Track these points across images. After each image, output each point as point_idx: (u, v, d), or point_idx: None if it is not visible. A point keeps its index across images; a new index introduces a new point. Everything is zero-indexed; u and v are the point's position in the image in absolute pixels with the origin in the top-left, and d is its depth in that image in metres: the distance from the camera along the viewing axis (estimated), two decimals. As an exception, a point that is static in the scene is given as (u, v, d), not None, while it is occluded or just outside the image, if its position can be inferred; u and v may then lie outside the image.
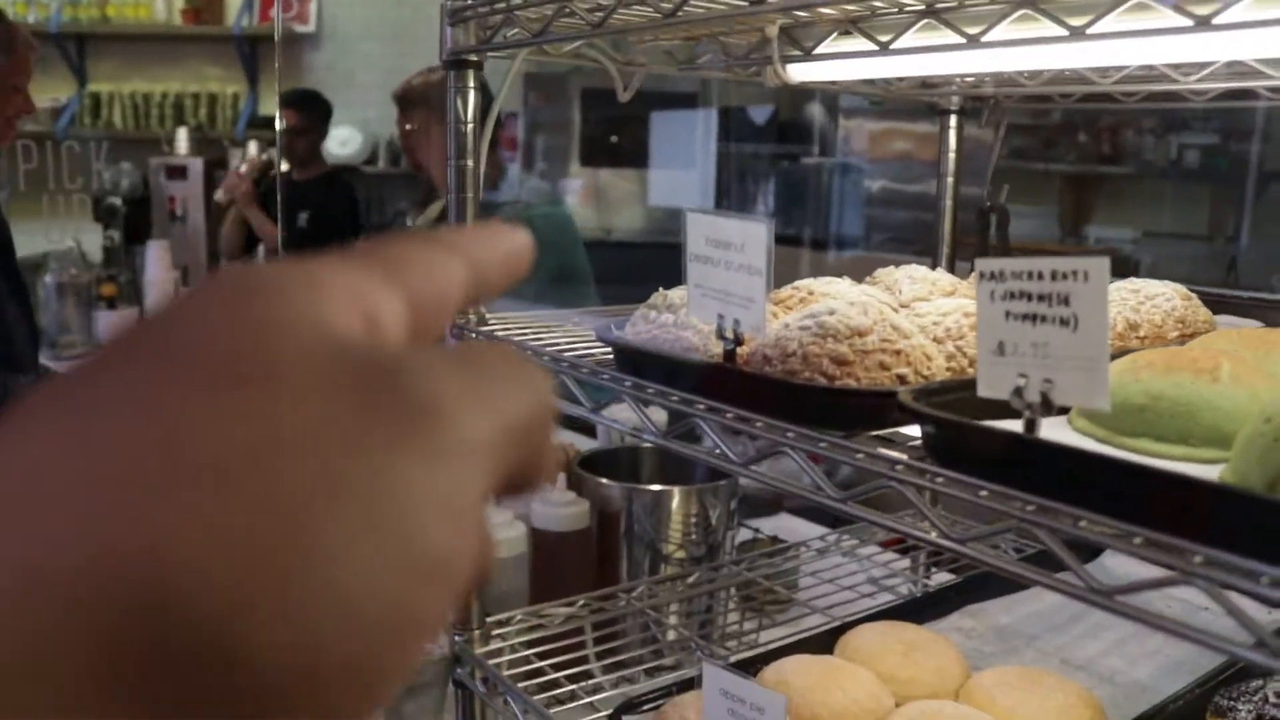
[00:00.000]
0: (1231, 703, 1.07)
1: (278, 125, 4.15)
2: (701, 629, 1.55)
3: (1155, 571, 0.55)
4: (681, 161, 6.06)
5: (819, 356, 0.76)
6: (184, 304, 0.24)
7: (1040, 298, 0.63)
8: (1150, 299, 1.06)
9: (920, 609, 1.38)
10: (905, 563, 1.69)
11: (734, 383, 0.81)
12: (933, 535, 0.65)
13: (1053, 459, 0.61)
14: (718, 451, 0.81)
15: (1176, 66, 1.14)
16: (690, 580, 1.51)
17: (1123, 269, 5.30)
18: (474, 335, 1.20)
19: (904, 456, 0.68)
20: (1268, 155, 6.26)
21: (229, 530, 0.20)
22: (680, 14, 0.85)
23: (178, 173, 4.99)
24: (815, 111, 5.38)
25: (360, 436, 0.22)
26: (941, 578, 1.65)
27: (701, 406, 0.83)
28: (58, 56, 6.14)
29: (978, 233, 1.60)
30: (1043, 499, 0.60)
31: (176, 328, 0.23)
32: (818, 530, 1.85)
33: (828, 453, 0.72)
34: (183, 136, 5.69)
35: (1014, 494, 0.61)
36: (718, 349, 0.87)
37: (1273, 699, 1.05)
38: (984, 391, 0.67)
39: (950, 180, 1.63)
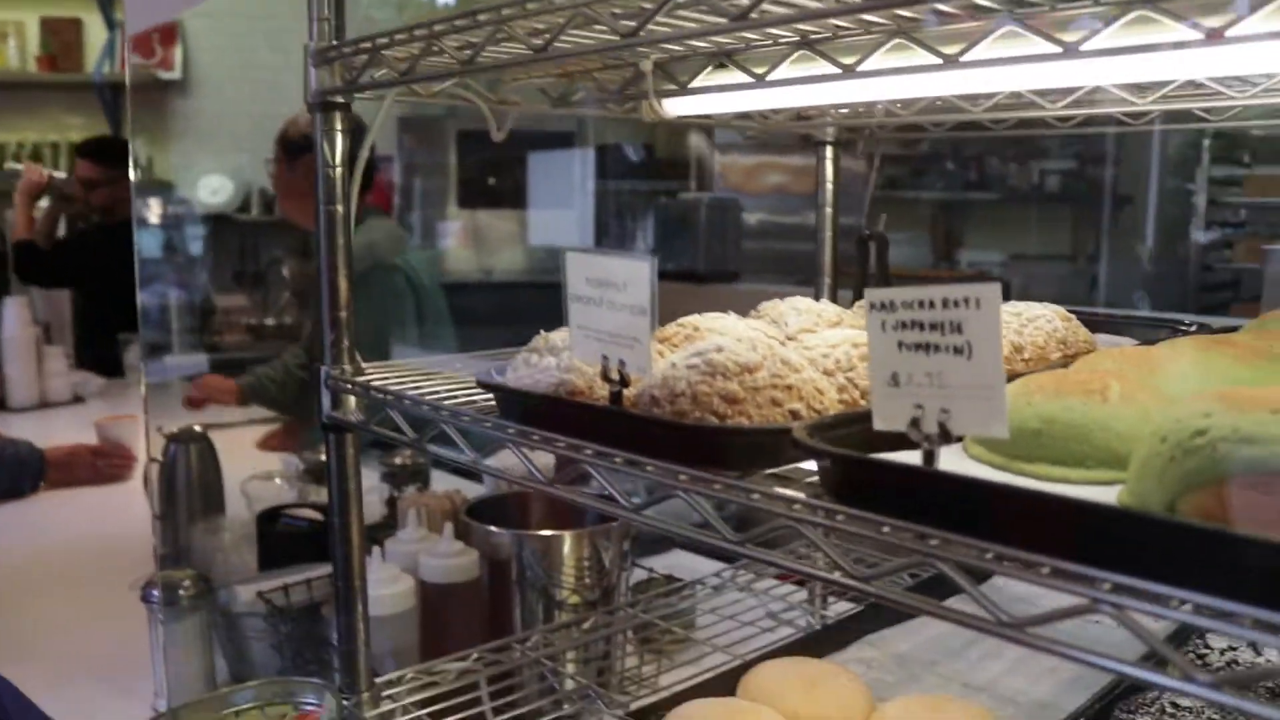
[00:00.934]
0: (1130, 715, 1.08)
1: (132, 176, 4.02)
2: (600, 676, 1.51)
3: (1056, 596, 0.53)
4: (559, 201, 6.05)
5: (709, 395, 0.74)
6: None
7: (932, 326, 0.62)
8: (1032, 321, 1.06)
9: (820, 642, 1.37)
10: (802, 594, 1.68)
11: (622, 426, 0.78)
12: (836, 575, 0.63)
13: (953, 490, 0.60)
14: (608, 498, 0.78)
15: (1043, 94, 1.16)
16: (586, 626, 1.48)
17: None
18: (349, 386, 1.15)
19: (801, 495, 0.66)
20: (1121, 179, 6.55)
21: None
22: (550, 50, 0.83)
23: (39, 224, 4.77)
24: (691, 147, 5.43)
25: None
26: (840, 607, 1.64)
27: (590, 451, 0.80)
28: (-93, 106, 5.88)
29: (858, 261, 1.60)
30: (945, 532, 0.58)
31: None
32: (712, 566, 1.83)
33: (722, 494, 0.70)
34: (41, 187, 5.46)
35: (916, 529, 0.59)
36: (604, 391, 0.84)
37: (1169, 709, 1.06)
38: (880, 425, 0.65)
39: (829, 210, 1.63)
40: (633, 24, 0.76)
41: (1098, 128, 1.34)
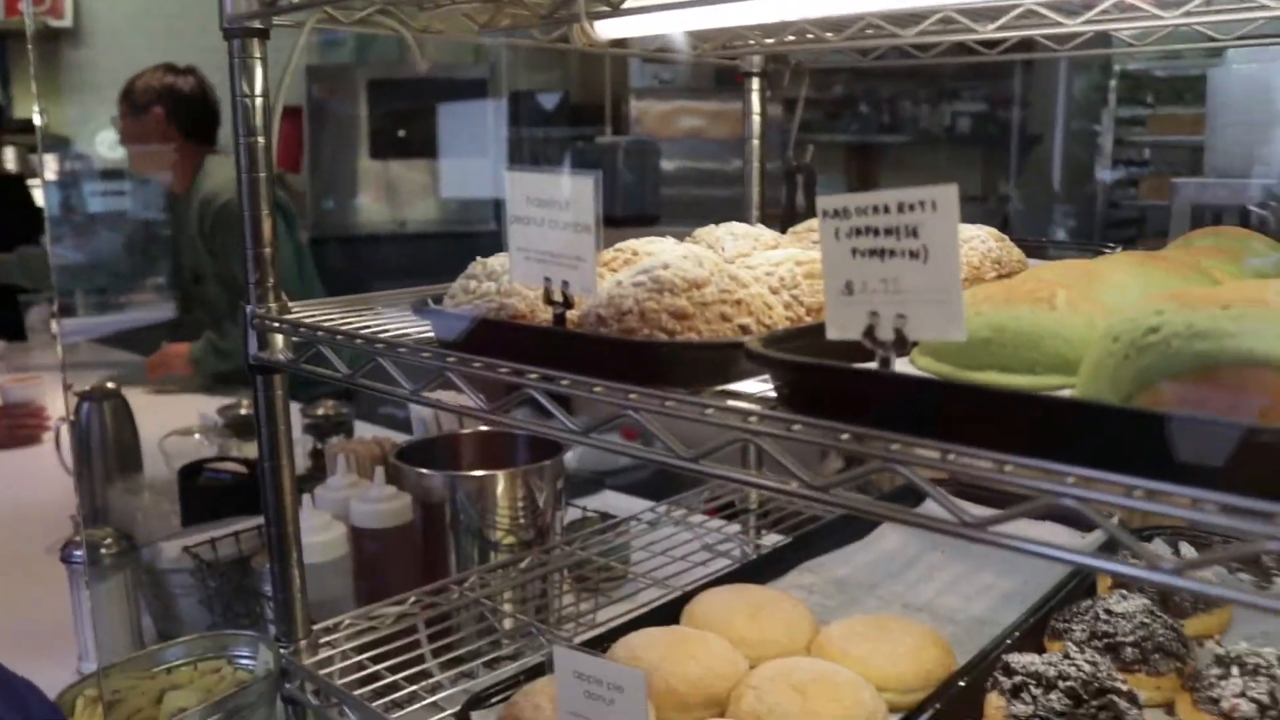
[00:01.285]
0: (1067, 624, 1.10)
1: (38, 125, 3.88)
2: (539, 614, 1.50)
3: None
4: (474, 150, 5.95)
5: (657, 312, 0.72)
6: None
7: (887, 232, 0.61)
8: (966, 242, 1.06)
9: (758, 571, 1.37)
10: (736, 527, 1.68)
11: (568, 347, 0.76)
12: (794, 486, 0.62)
13: (913, 393, 0.59)
14: (554, 425, 0.77)
15: (974, 17, 1.15)
16: (523, 565, 1.47)
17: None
18: (275, 324, 1.11)
19: (757, 407, 0.65)
20: (1030, 120, 6.66)
21: None
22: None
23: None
24: (607, 93, 5.37)
25: None
26: (773, 538, 1.65)
27: (533, 376, 0.78)
28: None
29: (786, 194, 1.60)
30: (906, 436, 0.58)
31: None
32: (644, 504, 1.82)
33: (675, 411, 0.69)
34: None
35: (878, 434, 0.58)
36: (547, 315, 0.82)
37: (1103, 615, 1.08)
38: (834, 334, 0.65)
39: (755, 143, 1.62)
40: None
41: (1027, 54, 1.35)
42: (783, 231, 1.45)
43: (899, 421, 0.59)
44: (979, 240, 1.07)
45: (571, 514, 1.69)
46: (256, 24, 1.08)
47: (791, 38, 1.36)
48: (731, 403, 0.66)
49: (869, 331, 0.63)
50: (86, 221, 4.79)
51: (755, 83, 1.61)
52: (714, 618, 1.13)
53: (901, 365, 0.75)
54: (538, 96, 5.88)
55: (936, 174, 6.47)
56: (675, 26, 1.17)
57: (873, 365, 0.63)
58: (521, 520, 1.50)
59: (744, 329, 0.74)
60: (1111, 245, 1.29)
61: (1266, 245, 1.11)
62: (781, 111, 1.93)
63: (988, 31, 1.20)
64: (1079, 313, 0.71)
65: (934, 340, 0.64)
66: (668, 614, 1.21)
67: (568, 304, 0.78)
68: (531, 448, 1.57)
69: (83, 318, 4.28)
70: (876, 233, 0.61)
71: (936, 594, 1.30)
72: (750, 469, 1.51)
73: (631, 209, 4.22)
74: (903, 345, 0.62)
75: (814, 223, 1.21)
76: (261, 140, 1.12)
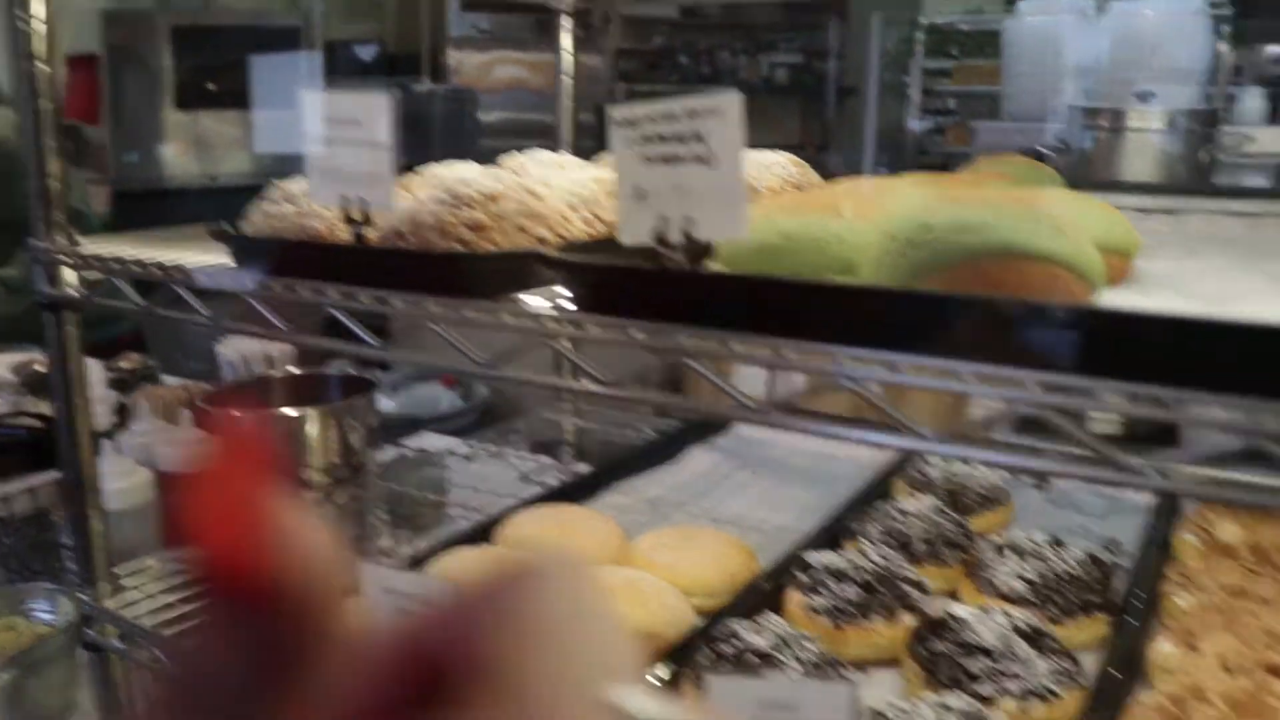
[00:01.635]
0: (861, 525, 1.16)
1: None
2: (354, 554, 1.49)
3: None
4: (287, 102, 5.76)
5: (454, 225, 0.73)
6: None
7: (677, 139, 0.63)
8: (768, 167, 1.09)
9: (570, 494, 1.39)
10: (551, 461, 1.70)
11: (367, 264, 0.76)
12: (585, 383, 0.63)
13: (698, 289, 0.61)
14: (356, 340, 0.76)
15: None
16: (337, 500, 1.45)
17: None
18: (65, 259, 1.07)
19: (549, 309, 0.66)
20: (845, 71, 6.83)
21: None
22: None
23: None
24: (424, 42, 5.27)
25: None
26: (587, 468, 1.67)
27: (333, 294, 0.77)
28: None
29: (598, 129, 1.61)
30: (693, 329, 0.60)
31: None
32: (462, 446, 1.82)
33: (473, 317, 0.69)
34: None
35: (666, 327, 0.60)
36: (346, 234, 0.81)
37: (895, 515, 1.14)
38: (626, 239, 0.66)
39: (567, 79, 1.63)
40: None
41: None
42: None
43: (689, 319, 0.61)
44: (779, 165, 1.10)
45: (389, 454, 1.67)
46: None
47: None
48: (527, 307, 0.67)
49: (660, 237, 0.64)
50: None
51: (565, 21, 1.61)
52: (526, 537, 1.15)
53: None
54: (353, 46, 5.72)
55: (756, 125, 6.56)
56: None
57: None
58: (335, 460, 1.48)
59: (541, 241, 0.74)
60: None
61: (1047, 176, 1.18)
62: (599, 62, 1.93)
63: None
64: (865, 220, 0.75)
65: (723, 244, 0.66)
66: (481, 538, 1.21)
67: (366, 220, 0.78)
68: (345, 389, 1.55)
69: None
70: (665, 139, 0.63)
71: (744, 508, 1.35)
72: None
73: (449, 159, 4.16)
74: (693, 251, 0.64)
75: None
76: (45, 67, 1.07)
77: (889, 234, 0.63)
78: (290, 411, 1.42)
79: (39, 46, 1.07)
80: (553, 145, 1.63)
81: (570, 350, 0.64)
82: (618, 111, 0.65)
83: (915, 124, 6.07)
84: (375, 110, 0.75)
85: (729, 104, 0.61)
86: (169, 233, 1.19)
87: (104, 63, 5.59)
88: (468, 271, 0.71)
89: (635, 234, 0.66)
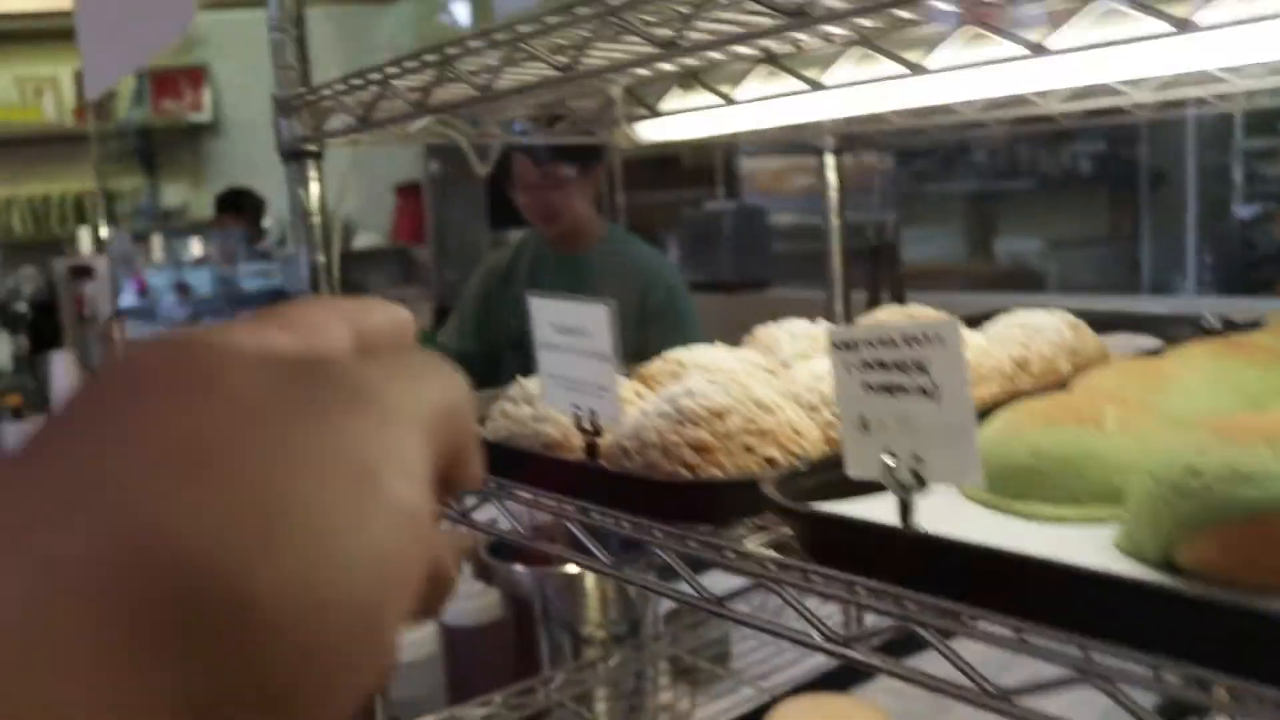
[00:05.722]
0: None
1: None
2: (631, 713, 1.47)
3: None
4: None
5: (678, 445, 0.70)
6: (143, 347, 0.27)
7: (897, 366, 0.57)
8: (1038, 332, 1.01)
9: (848, 672, 1.32)
10: (837, 613, 1.62)
11: (596, 480, 0.74)
12: (815, 637, 0.58)
13: (929, 550, 0.55)
14: (586, 551, 0.75)
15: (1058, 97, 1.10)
16: (613, 663, 1.44)
17: (1031, 281, 5.34)
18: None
19: (774, 554, 0.61)
20: (1155, 157, 6.42)
21: (220, 501, 0.23)
22: (493, 89, 0.79)
23: (83, 273, 4.85)
24: (713, 152, 5.36)
25: (306, 405, 0.26)
26: (872, 620, 1.59)
27: (570, 508, 0.76)
28: (-53, 166, 5.98)
29: (868, 274, 1.55)
30: (923, 594, 0.54)
31: (134, 364, 0.27)
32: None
33: (697, 552, 0.66)
34: (85, 236, 5.54)
35: (893, 590, 0.55)
36: (579, 441, 0.80)
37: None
38: (853, 472, 0.61)
39: (835, 221, 1.58)
40: (565, 59, 0.73)
41: (1108, 119, 1.29)
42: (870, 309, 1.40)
43: (917, 573, 0.55)
44: (1052, 330, 1.01)
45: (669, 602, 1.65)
46: (310, 147, 1.09)
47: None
48: (750, 548, 0.63)
49: (888, 471, 0.59)
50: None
51: (829, 159, 1.57)
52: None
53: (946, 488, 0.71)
54: (651, 159, 5.90)
55: (1060, 219, 6.27)
56: (713, 127, 1.14)
57: (893, 507, 0.59)
58: (613, 614, 1.47)
59: (770, 461, 0.70)
60: (1209, 320, 1.21)
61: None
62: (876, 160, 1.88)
63: (1143, 95, 1.12)
64: (1131, 432, 0.66)
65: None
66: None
67: (597, 432, 0.76)
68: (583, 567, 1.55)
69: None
70: (886, 367, 0.58)
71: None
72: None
73: (741, 274, 4.18)
74: (924, 484, 0.58)
75: (879, 313, 1.16)
76: (322, 258, 1.14)
77: (1152, 475, 0.55)
78: (570, 569, 1.42)
79: (317, 239, 1.13)
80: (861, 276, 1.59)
81: (796, 599, 0.59)
82: (835, 334, 0.61)
83: (1240, 211, 5.60)
84: (597, 320, 0.74)
85: (949, 331, 0.55)
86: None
87: (426, 190, 6.05)
88: (690, 499, 0.68)
89: (862, 468, 0.60)
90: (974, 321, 1.18)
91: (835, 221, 1.59)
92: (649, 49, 0.64)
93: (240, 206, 4.59)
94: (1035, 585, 0.49)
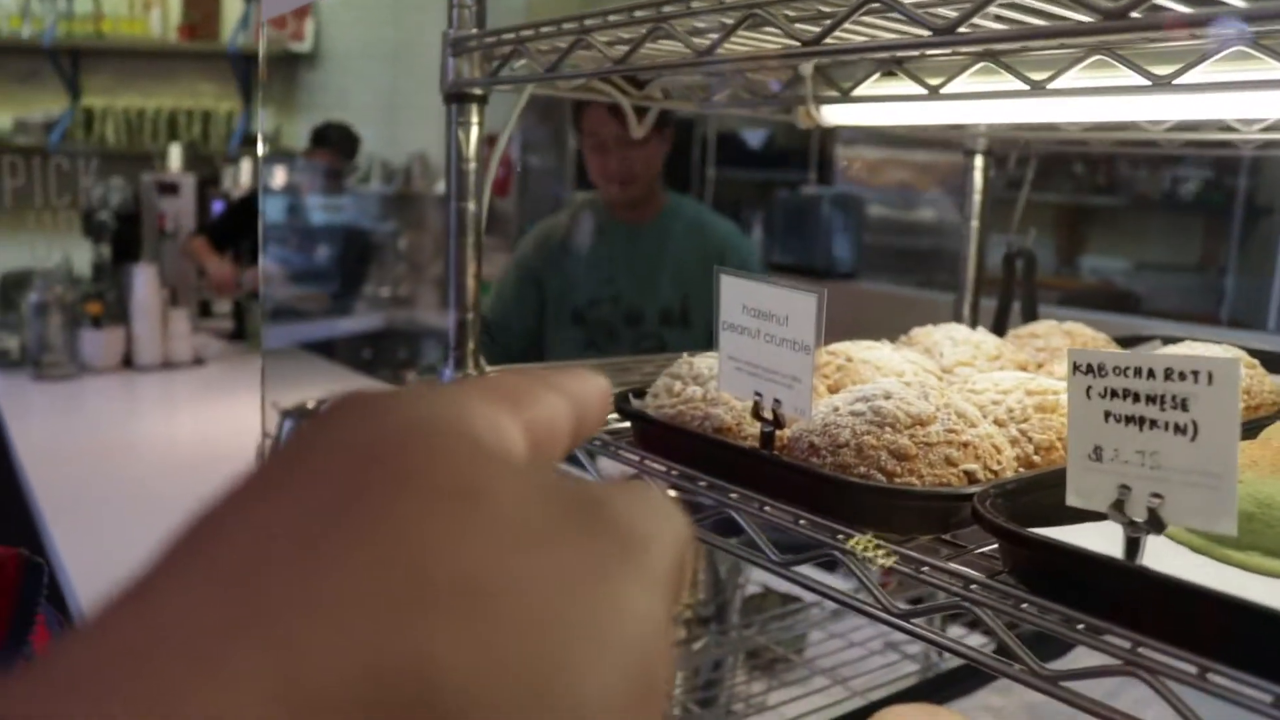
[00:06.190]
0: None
1: (259, 147, 4.08)
2: (707, 689, 1.46)
3: None
4: (679, 185, 5.96)
5: (876, 449, 0.67)
6: (347, 421, 0.24)
7: (1149, 399, 0.54)
8: (1212, 367, 0.97)
9: (944, 685, 1.29)
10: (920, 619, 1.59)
11: (776, 472, 0.72)
12: (1017, 669, 0.56)
13: (1163, 594, 0.52)
14: (750, 545, 0.72)
15: (1245, 122, 1.06)
16: (696, 647, 1.42)
17: (1121, 302, 5.25)
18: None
19: (980, 575, 0.59)
20: (1260, 190, 6.25)
21: (489, 647, 0.20)
22: (714, 54, 0.76)
23: (169, 189, 4.88)
24: (813, 138, 5.30)
25: (596, 564, 0.23)
26: (957, 632, 1.56)
27: (735, 495, 0.74)
28: (51, 70, 6.07)
29: (1003, 281, 1.51)
30: (1151, 638, 0.51)
31: (351, 442, 0.23)
32: (836, 580, 1.75)
33: (888, 563, 0.63)
34: (175, 153, 5.60)
35: (1121, 633, 0.52)
36: (752, 429, 0.78)
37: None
38: (1075, 501, 0.58)
39: (975, 224, 1.54)
40: (811, 30, 0.70)
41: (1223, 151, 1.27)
42: (998, 326, 1.36)
43: (1139, 613, 0.52)
44: (1228, 367, 0.97)
45: (752, 588, 1.63)
46: (476, 91, 1.07)
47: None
48: (953, 565, 0.60)
49: (1117, 505, 0.56)
50: (306, 233, 5.01)
51: (979, 161, 1.53)
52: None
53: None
54: (745, 137, 5.84)
55: (1151, 241, 6.15)
56: (905, 119, 1.11)
57: (1102, 531, 0.56)
58: (701, 595, 1.46)
59: (970, 475, 0.67)
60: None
61: None
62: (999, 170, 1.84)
63: (1253, 133, 1.10)
64: (1362, 491, 0.62)
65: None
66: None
67: (778, 423, 0.74)
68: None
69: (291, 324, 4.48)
70: (1136, 398, 0.55)
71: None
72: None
73: (832, 263, 4.14)
74: (1156, 525, 0.55)
75: (1036, 327, 1.13)
76: (472, 205, 1.12)
77: None
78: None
79: (469, 186, 1.11)
80: (936, 253, 1.55)
81: (996, 623, 0.56)
82: (1079, 356, 0.58)
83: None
84: (803, 308, 0.71)
85: (1224, 371, 0.52)
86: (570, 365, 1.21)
87: (515, 141, 6.03)
88: (888, 507, 0.65)
89: (1087, 498, 0.57)
90: (1122, 344, 1.15)
91: (975, 224, 1.55)
92: (922, 33, 0.61)
93: (331, 140, 4.60)
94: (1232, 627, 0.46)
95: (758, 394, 0.74)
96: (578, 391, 0.31)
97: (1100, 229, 6.29)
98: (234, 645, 0.19)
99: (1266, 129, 1.08)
